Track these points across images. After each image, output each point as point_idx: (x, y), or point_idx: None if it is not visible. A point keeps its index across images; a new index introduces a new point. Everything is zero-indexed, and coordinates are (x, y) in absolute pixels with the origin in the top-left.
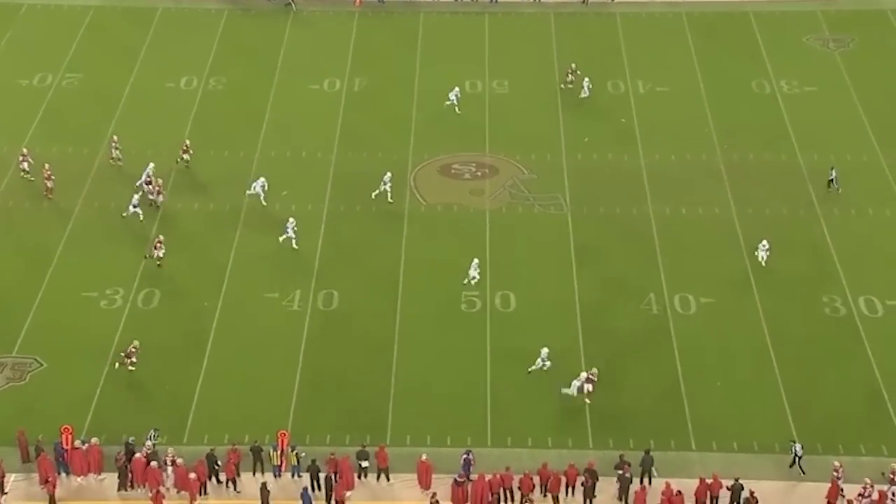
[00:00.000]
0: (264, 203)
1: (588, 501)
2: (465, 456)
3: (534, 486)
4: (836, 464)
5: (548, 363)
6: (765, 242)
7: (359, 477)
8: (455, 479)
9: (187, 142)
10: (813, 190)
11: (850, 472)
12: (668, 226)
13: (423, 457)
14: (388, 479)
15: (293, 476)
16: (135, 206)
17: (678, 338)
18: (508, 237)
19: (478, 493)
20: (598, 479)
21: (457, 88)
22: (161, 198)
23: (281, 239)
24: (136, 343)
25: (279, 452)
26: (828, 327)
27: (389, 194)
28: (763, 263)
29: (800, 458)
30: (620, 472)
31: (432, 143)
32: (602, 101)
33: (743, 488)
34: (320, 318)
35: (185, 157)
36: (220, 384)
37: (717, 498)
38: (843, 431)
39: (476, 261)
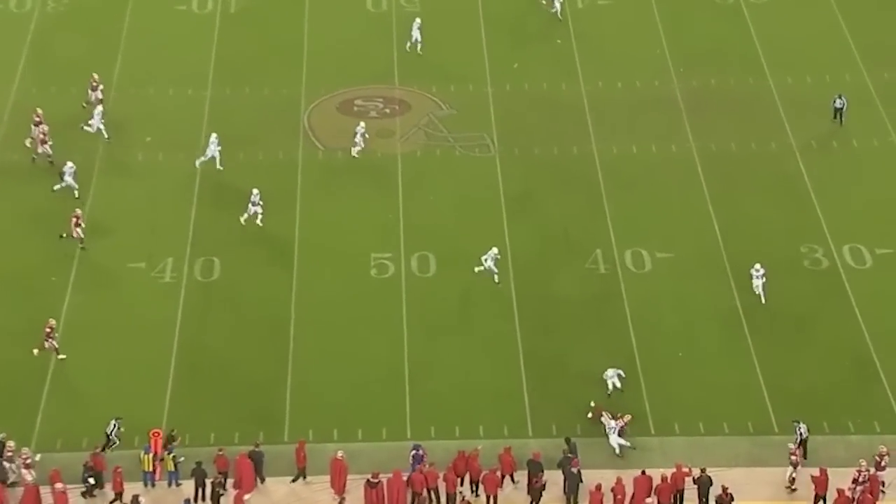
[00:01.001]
0: (220, 167)
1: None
2: (414, 451)
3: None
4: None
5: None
6: (758, 267)
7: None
8: (368, 480)
9: (96, 75)
10: (787, 119)
11: (838, 455)
12: (615, 168)
13: (339, 454)
14: (305, 478)
15: (171, 485)
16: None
17: (631, 302)
18: (425, 187)
19: (393, 495)
20: (542, 472)
21: (418, 21)
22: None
23: (243, 219)
24: (51, 322)
25: (151, 456)
26: (808, 283)
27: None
28: (762, 297)
29: (804, 440)
30: (569, 465)
31: (329, 75)
32: (532, 18)
33: (712, 482)
34: (198, 292)
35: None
36: (75, 375)
37: (681, 493)
38: (829, 407)
39: (495, 251)
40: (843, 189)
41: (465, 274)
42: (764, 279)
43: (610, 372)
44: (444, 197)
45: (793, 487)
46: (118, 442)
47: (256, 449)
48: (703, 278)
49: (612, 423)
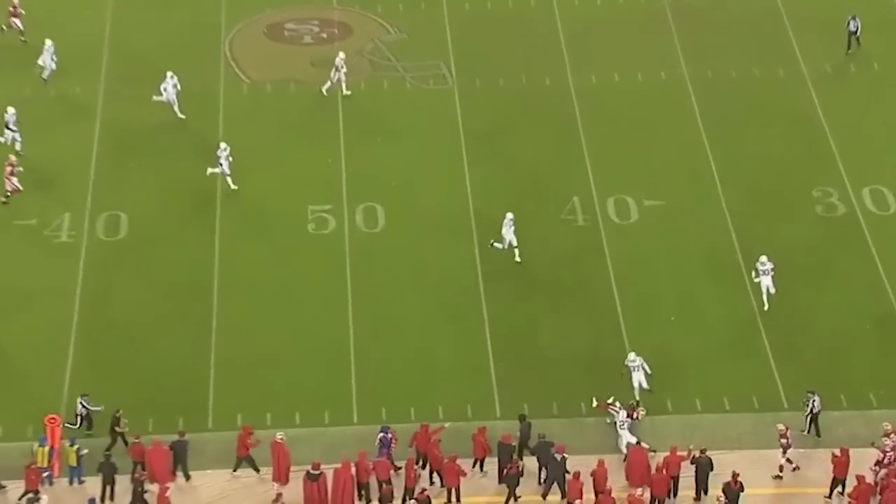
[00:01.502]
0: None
1: (513, 500)
2: (381, 434)
3: (418, 475)
4: (781, 427)
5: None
6: (764, 260)
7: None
8: (308, 472)
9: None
10: (795, 39)
11: (859, 433)
12: (595, 101)
13: (279, 436)
14: (258, 471)
15: (72, 482)
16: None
17: (615, 257)
18: (371, 125)
19: (339, 489)
20: (518, 458)
21: None
22: None
23: (209, 171)
24: None
25: (47, 449)
26: (821, 232)
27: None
28: (766, 300)
29: (816, 414)
30: (550, 451)
31: None
32: None
33: (712, 465)
34: (101, 253)
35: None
36: None
37: (676, 479)
38: (846, 376)
39: (510, 216)
40: (863, 122)
41: (418, 229)
42: (772, 274)
43: (633, 357)
44: (394, 138)
45: (781, 475)
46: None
47: (181, 438)
48: (698, 230)
49: (624, 415)
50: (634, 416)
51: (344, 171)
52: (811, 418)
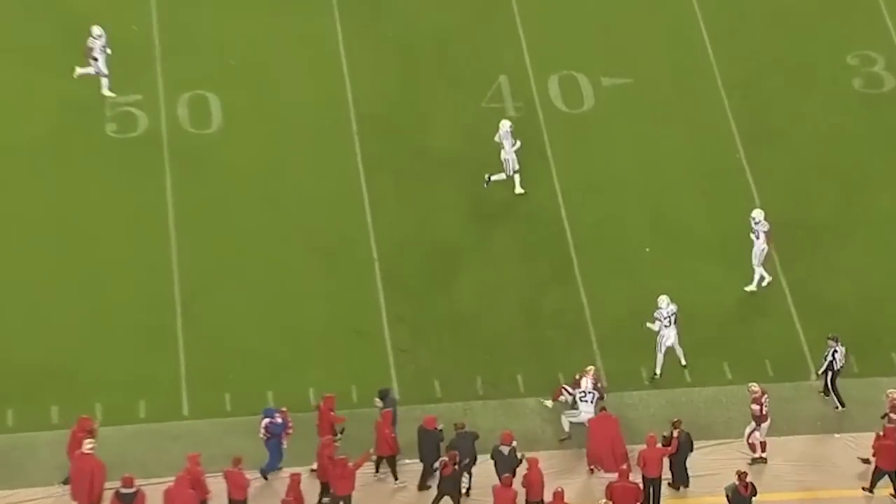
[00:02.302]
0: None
1: None
2: (267, 420)
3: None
4: (755, 388)
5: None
6: (757, 216)
7: None
8: (117, 491)
9: None
10: None
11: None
12: None
13: (88, 446)
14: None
15: None
16: None
17: (561, 163)
18: None
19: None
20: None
21: None
22: None
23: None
24: None
25: None
26: (858, 116)
27: None
28: (758, 276)
29: (837, 372)
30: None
31: None
32: None
33: (692, 445)
34: None
35: None
36: None
37: (657, 484)
38: (883, 332)
39: (507, 126)
40: None
41: (270, 129)
42: (766, 235)
43: (666, 304)
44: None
45: (756, 456)
46: None
47: None
48: (682, 118)
49: (589, 384)
50: (599, 385)
51: (157, 43)
52: (829, 377)
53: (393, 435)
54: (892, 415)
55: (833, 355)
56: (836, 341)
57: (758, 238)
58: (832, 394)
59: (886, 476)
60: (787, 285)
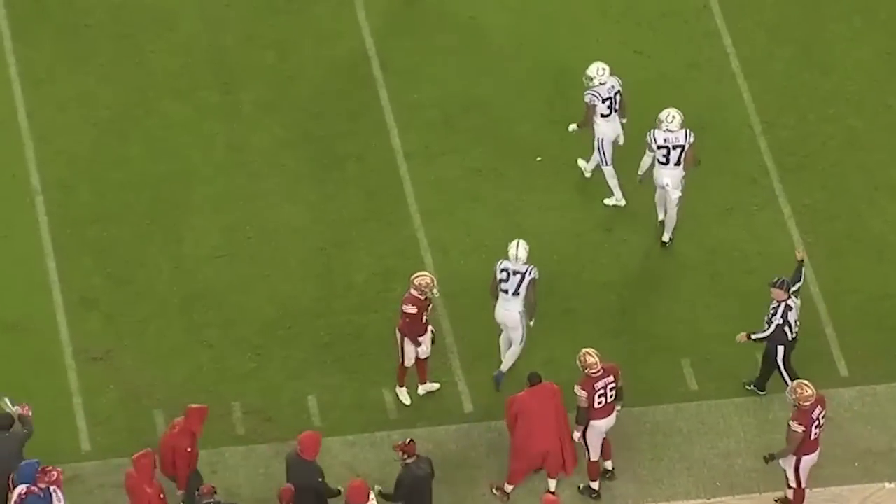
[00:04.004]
0: None
1: None
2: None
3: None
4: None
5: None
6: (669, 115)
7: None
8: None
9: None
10: None
11: None
12: None
13: None
14: None
15: None
16: None
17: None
18: None
19: None
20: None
21: None
22: None
23: None
24: None
25: None
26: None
27: None
28: (666, 229)
29: (791, 341)
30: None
31: None
32: None
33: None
34: None
35: None
36: None
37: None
38: None
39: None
40: None
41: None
42: (685, 155)
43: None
44: None
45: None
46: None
47: None
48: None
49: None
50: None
51: None
52: (778, 351)
53: None
54: None
55: (784, 314)
56: (785, 288)
57: (663, 166)
58: (783, 371)
59: None
60: None
